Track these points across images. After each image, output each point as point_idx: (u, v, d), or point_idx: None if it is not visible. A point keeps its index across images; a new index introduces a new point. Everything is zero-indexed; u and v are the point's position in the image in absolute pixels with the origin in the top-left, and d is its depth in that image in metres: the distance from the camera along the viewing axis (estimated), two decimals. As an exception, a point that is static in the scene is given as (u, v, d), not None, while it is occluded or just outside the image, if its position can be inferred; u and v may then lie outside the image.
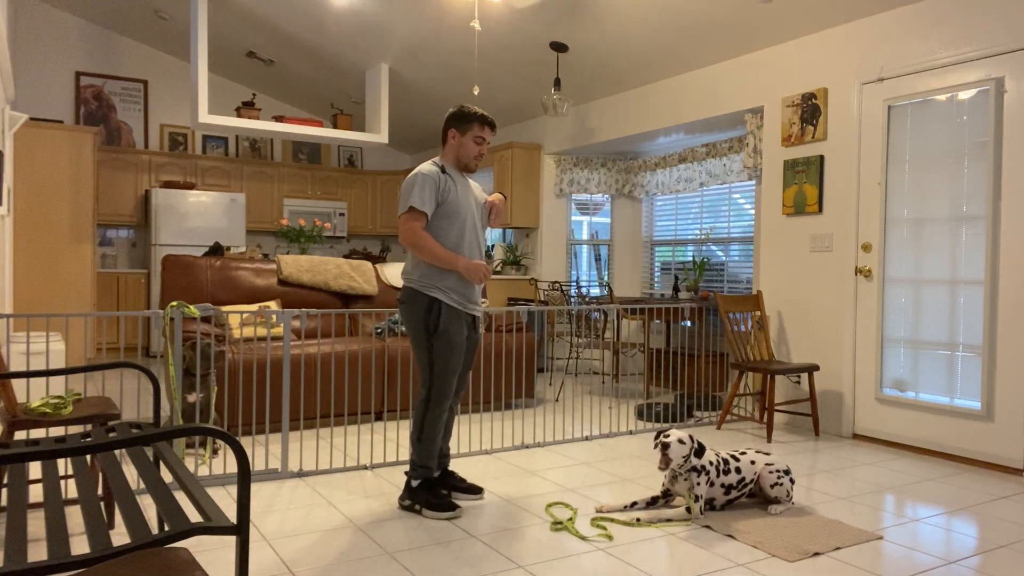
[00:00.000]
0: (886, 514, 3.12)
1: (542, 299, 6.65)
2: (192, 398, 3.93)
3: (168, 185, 7.84)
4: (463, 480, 3.27)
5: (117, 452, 2.66)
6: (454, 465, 3.79)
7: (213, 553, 2.56)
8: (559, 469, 3.75)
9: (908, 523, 3.01)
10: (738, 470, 3.09)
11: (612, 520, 2.96)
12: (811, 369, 4.47)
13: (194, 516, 2.86)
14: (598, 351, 7.35)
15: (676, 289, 6.33)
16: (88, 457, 2.60)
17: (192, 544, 2.65)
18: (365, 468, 3.70)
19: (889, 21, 4.34)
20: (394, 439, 4.29)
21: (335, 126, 6.99)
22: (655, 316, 5.91)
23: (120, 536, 2.70)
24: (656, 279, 7.13)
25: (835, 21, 4.59)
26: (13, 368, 4.59)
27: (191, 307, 3.42)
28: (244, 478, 1.63)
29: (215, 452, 3.88)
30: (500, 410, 5.23)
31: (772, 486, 3.09)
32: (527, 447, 4.19)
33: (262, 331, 4.71)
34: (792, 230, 4.92)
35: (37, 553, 2.49)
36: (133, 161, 7.96)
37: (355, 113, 8.56)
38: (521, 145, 7.29)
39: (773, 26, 4.81)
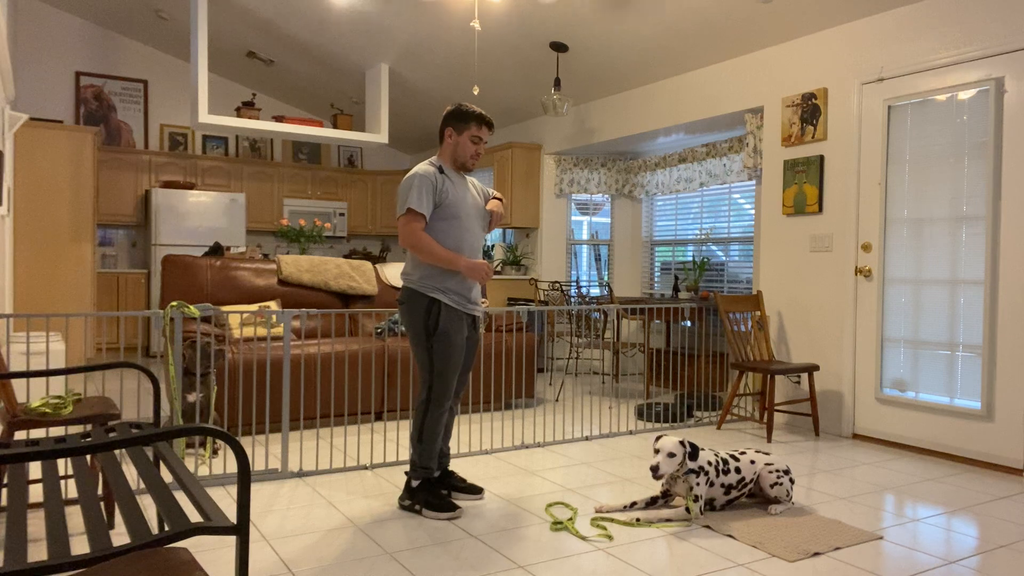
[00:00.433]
0: (886, 514, 3.12)
1: (542, 299, 6.65)
2: (192, 398, 3.93)
3: (168, 185, 7.84)
4: (463, 480, 3.27)
5: (117, 452, 2.66)
6: (454, 465, 3.79)
7: (213, 553, 2.56)
8: (559, 469, 3.75)
9: (908, 523, 3.01)
10: (738, 470, 3.09)
11: (612, 520, 2.96)
12: (811, 369, 4.47)
13: (194, 516, 2.86)
14: (598, 351, 7.35)
15: (676, 289, 6.33)
16: (88, 457, 2.60)
17: (192, 544, 2.65)
18: (365, 468, 3.70)
19: (889, 21, 4.34)
20: (394, 439, 4.29)
21: (335, 126, 6.99)
22: (655, 316, 5.91)
23: (120, 536, 2.70)
24: (656, 279, 7.13)
25: (835, 21, 4.59)
26: (13, 368, 4.59)
27: (191, 307, 3.42)
28: (244, 478, 1.63)
29: (215, 452, 3.88)
30: (500, 410, 5.23)
31: (772, 486, 3.09)
32: (527, 447, 4.19)
33: (262, 331, 4.71)
34: (792, 230, 4.92)
35: (37, 553, 2.49)
36: (133, 161, 7.97)
37: (355, 113, 8.56)
38: (521, 145, 7.29)
39: (773, 26, 4.81)
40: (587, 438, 4.43)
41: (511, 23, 5.53)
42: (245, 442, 4.15)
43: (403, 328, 3.60)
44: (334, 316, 4.94)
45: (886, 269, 4.38)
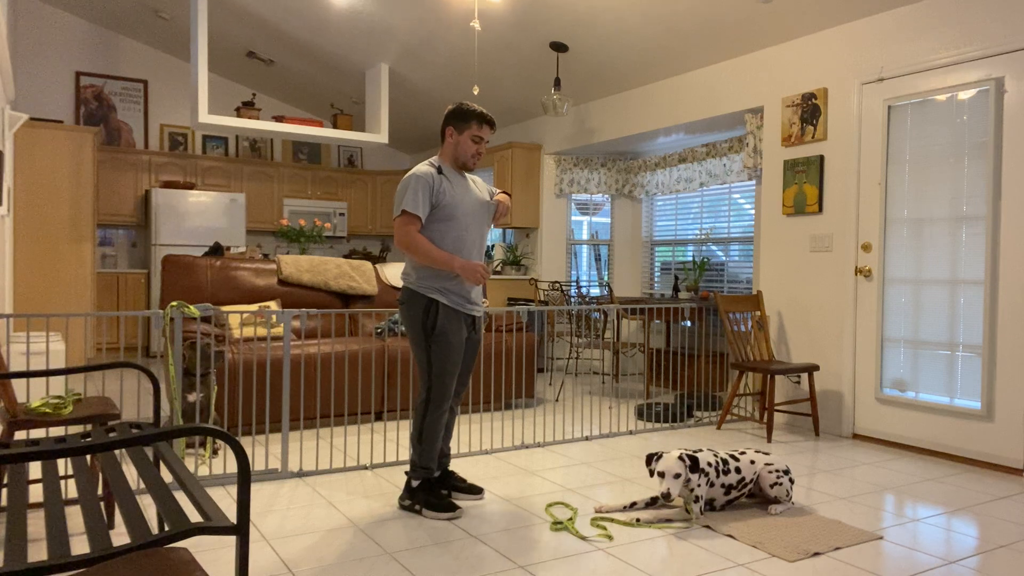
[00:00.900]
0: (886, 514, 3.12)
1: (542, 299, 6.65)
2: (192, 398, 3.93)
3: (168, 185, 7.84)
4: (463, 480, 3.26)
5: (117, 452, 2.66)
6: (454, 465, 3.79)
7: (213, 553, 2.56)
8: (559, 469, 3.75)
9: (908, 523, 3.01)
10: (738, 470, 3.09)
11: (612, 520, 2.95)
12: (811, 369, 4.47)
13: (194, 516, 2.86)
14: (598, 351, 7.35)
15: (676, 289, 6.33)
16: (88, 457, 2.60)
17: (192, 544, 2.65)
18: (365, 468, 3.70)
19: (889, 21, 4.34)
20: (394, 439, 4.29)
21: (335, 126, 6.98)
22: (655, 316, 5.91)
23: (120, 536, 2.70)
24: (656, 279, 7.13)
25: (835, 21, 4.59)
26: (13, 368, 4.59)
27: (191, 307, 3.42)
28: (244, 478, 1.63)
29: (215, 452, 3.88)
30: (500, 410, 5.23)
31: (772, 486, 3.09)
32: (527, 447, 4.19)
33: (262, 331, 4.71)
34: (792, 230, 4.92)
35: (37, 553, 2.49)
36: (133, 161, 7.97)
37: (355, 113, 8.56)
38: (521, 145, 7.29)
39: (773, 26, 4.81)
40: (587, 438, 4.43)
41: (511, 23, 5.53)
42: (245, 442, 4.15)
43: (403, 328, 3.60)
44: (334, 316, 4.94)
45: (886, 269, 4.38)
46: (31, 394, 4.84)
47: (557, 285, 6.31)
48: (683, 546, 2.71)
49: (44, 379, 4.70)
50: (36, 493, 3.11)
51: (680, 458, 2.92)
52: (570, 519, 2.95)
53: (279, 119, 6.58)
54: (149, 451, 3.60)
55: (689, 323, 6.13)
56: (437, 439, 3.07)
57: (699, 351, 6.01)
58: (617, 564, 2.53)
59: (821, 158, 4.71)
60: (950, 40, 4.04)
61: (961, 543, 2.79)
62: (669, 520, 2.96)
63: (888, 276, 4.37)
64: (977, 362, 3.93)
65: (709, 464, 3.04)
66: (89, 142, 6.36)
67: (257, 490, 3.32)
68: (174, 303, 3.38)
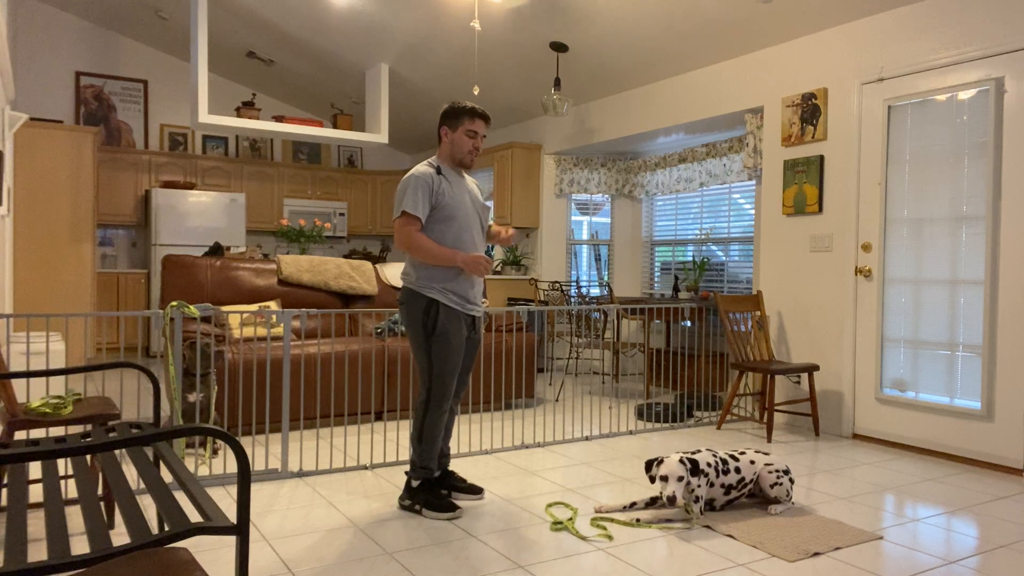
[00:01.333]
0: (886, 514, 3.12)
1: (542, 299, 6.65)
2: (192, 398, 3.93)
3: (168, 185, 7.84)
4: (463, 480, 3.26)
5: (117, 452, 2.66)
6: (454, 465, 3.79)
7: (213, 553, 2.56)
8: (559, 469, 3.75)
9: (908, 523, 3.01)
10: (738, 470, 3.09)
11: (612, 520, 2.95)
12: (811, 369, 4.47)
13: (194, 516, 2.86)
14: (598, 351, 7.35)
15: (676, 289, 6.33)
16: (88, 457, 2.60)
17: (192, 544, 2.65)
18: (365, 468, 3.70)
19: (889, 21, 4.34)
20: (394, 439, 4.29)
21: (335, 126, 6.99)
22: (655, 316, 5.91)
23: (120, 536, 2.70)
24: (656, 279, 7.13)
25: (835, 21, 4.59)
26: (13, 368, 4.59)
27: (191, 307, 3.42)
28: (244, 478, 1.63)
29: (215, 452, 3.88)
30: (500, 410, 5.23)
31: (772, 486, 3.09)
32: (527, 447, 4.19)
33: (262, 331, 4.71)
34: (792, 230, 4.92)
35: (37, 553, 2.49)
36: (133, 161, 7.96)
37: (355, 113, 8.56)
38: (521, 145, 7.29)
39: (773, 26, 4.81)
40: (587, 438, 4.43)
41: (511, 23, 5.53)
42: (245, 442, 4.15)
43: (403, 328, 3.60)
44: (334, 316, 4.94)
45: (886, 269, 4.38)
46: (31, 394, 4.84)
47: (557, 285, 6.31)
48: (683, 546, 2.71)
49: (44, 379, 4.70)
50: (36, 493, 3.11)
51: (681, 461, 2.92)
52: (570, 519, 2.95)
53: (279, 119, 6.58)
54: (149, 451, 3.60)
55: (689, 323, 6.13)
56: (437, 439, 3.07)
57: (699, 351, 6.01)
58: (617, 564, 2.53)
59: (821, 158, 4.71)
60: (950, 40, 4.04)
61: (961, 543, 2.79)
62: (669, 520, 2.96)
63: (888, 276, 4.37)
64: (977, 362, 3.93)
65: (708, 464, 3.04)
66: (89, 142, 6.36)
67: (257, 490, 3.32)
68: (174, 303, 3.38)
